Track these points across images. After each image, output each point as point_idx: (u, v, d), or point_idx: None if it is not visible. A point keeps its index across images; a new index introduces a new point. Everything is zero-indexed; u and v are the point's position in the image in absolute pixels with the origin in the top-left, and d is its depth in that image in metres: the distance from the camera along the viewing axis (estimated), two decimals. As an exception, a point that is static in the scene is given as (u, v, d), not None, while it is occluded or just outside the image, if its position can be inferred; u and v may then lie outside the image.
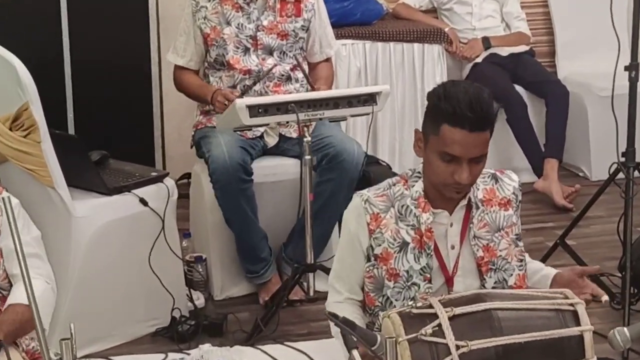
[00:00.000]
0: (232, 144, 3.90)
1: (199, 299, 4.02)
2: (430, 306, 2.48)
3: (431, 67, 5.25)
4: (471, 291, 2.60)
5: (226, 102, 3.85)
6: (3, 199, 2.45)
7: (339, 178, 3.89)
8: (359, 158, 3.93)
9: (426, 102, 2.67)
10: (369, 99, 3.67)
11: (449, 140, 2.56)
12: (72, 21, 4.95)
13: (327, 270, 3.44)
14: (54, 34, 4.95)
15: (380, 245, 2.69)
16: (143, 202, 3.70)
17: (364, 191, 2.76)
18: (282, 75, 4.09)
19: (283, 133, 4.08)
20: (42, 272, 2.85)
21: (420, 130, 2.68)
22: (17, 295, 2.73)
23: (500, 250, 2.72)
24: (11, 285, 2.80)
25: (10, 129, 3.45)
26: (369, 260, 2.71)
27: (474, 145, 2.56)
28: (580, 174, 5.53)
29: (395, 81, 5.20)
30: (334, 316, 2.39)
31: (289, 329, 3.82)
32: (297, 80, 4.13)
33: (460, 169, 2.57)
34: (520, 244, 2.76)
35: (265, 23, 4.05)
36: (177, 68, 4.19)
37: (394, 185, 2.74)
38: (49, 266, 2.90)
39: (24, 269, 2.16)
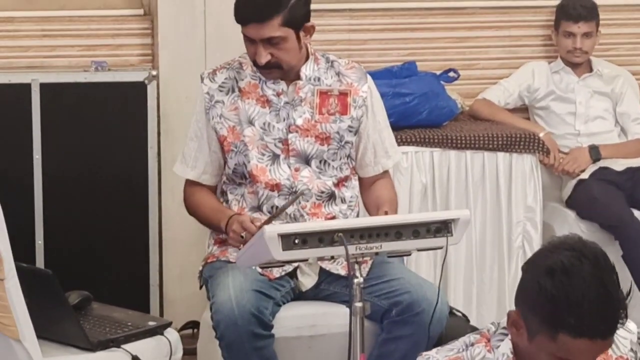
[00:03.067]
0: (244, 286, 3.91)
1: None
2: None
3: (521, 185, 5.30)
4: None
5: (243, 234, 3.89)
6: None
7: (415, 336, 3.88)
8: (442, 311, 3.93)
9: (517, 250, 2.71)
10: (442, 228, 3.65)
11: (573, 351, 2.57)
12: (45, 119, 5.08)
13: None
14: (22, 136, 5.08)
15: None
16: (137, 360, 3.73)
17: (432, 352, 2.77)
18: (323, 192, 4.14)
19: (326, 268, 4.09)
20: None
21: (515, 312, 2.69)
22: None
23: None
24: None
25: (-35, 262, 3.51)
26: None
27: (601, 350, 2.60)
28: None
29: (473, 203, 5.25)
30: None
31: None
32: (343, 201, 4.18)
33: None
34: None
35: (299, 122, 4.12)
36: (188, 184, 4.25)
37: (472, 345, 2.75)
38: None
39: None
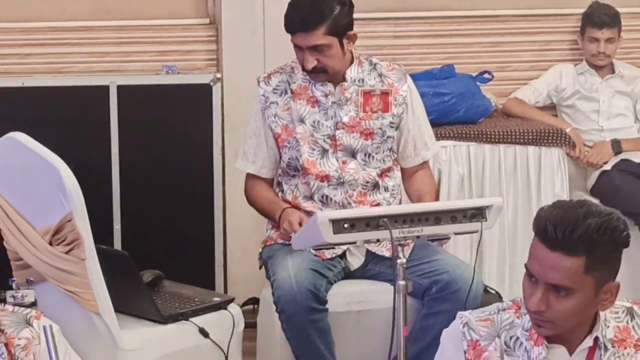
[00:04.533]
0: (302, 266, 3.94)
1: None
2: None
3: (549, 175, 5.27)
4: None
5: (292, 234, 3.91)
6: (44, 327, 2.53)
7: (453, 311, 3.79)
8: (478, 288, 3.94)
9: None
10: (477, 213, 3.65)
11: (532, 254, 2.58)
12: (121, 118, 5.11)
13: (424, 421, 3.43)
14: (100, 132, 5.11)
15: (484, 384, 2.69)
16: (203, 332, 3.75)
17: (466, 313, 2.76)
18: (368, 182, 4.15)
19: (372, 250, 4.10)
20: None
21: None
22: None
23: (638, 404, 2.69)
24: None
25: (50, 244, 3.54)
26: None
27: (551, 267, 2.53)
28: None
29: (506, 192, 5.22)
30: None
31: None
32: (386, 189, 4.18)
33: (534, 293, 2.56)
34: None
35: (345, 120, 4.12)
36: (249, 177, 4.27)
37: (504, 310, 2.73)
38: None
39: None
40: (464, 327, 2.72)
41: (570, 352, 2.67)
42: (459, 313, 2.78)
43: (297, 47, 4.06)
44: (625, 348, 2.69)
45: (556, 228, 2.51)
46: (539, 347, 2.65)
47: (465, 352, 2.70)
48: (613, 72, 5.67)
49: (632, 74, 5.69)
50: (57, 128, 4.84)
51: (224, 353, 3.76)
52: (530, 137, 5.28)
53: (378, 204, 4.13)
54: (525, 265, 2.60)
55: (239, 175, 4.36)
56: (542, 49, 5.79)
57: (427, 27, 5.67)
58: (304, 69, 4.09)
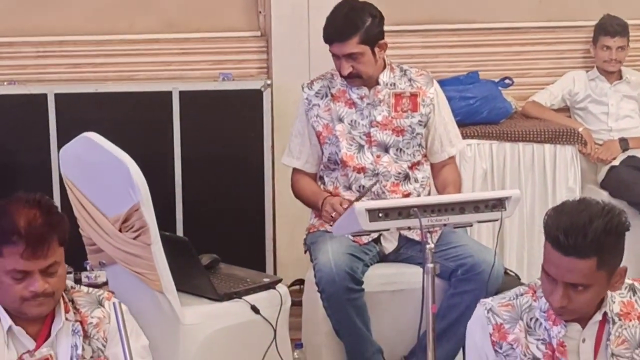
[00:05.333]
0: (340, 250, 3.94)
1: (311, 417, 4.04)
2: None
3: (564, 170, 5.24)
4: None
5: (333, 214, 3.91)
6: (114, 304, 2.55)
7: (477, 290, 3.85)
8: (499, 270, 3.92)
9: None
10: (498, 204, 3.63)
11: (547, 258, 2.60)
12: (183, 119, 5.13)
13: (449, 390, 3.42)
14: (164, 132, 5.14)
15: (512, 362, 2.69)
16: (255, 309, 3.75)
17: (488, 300, 2.77)
18: (399, 173, 4.14)
19: (404, 235, 4.09)
20: (150, 381, 2.92)
21: None
22: None
23: (643, 370, 2.69)
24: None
25: (120, 230, 3.56)
26: (502, 379, 2.70)
27: (567, 269, 2.56)
28: None
29: (525, 185, 5.20)
30: None
31: None
32: (416, 180, 4.17)
33: (555, 290, 2.58)
34: (667, 362, 2.72)
35: (379, 119, 4.12)
36: (295, 172, 4.28)
37: (522, 295, 2.75)
38: (156, 376, 2.97)
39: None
40: (488, 312, 2.73)
41: (583, 327, 2.69)
42: (481, 301, 2.78)
43: (335, 56, 4.07)
44: (630, 320, 2.72)
45: (568, 236, 2.53)
46: (558, 327, 2.67)
47: (490, 334, 2.71)
48: (621, 78, 5.62)
49: (638, 80, 5.64)
50: (126, 129, 4.86)
51: (273, 328, 3.76)
52: (547, 136, 5.26)
53: (409, 194, 4.13)
54: (542, 267, 2.60)
55: (287, 170, 4.37)
56: (557, 57, 5.75)
57: (454, 38, 5.64)
58: (341, 75, 4.09)
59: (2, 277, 2.70)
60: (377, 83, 4.12)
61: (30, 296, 2.71)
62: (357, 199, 3.97)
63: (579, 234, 2.52)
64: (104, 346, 2.84)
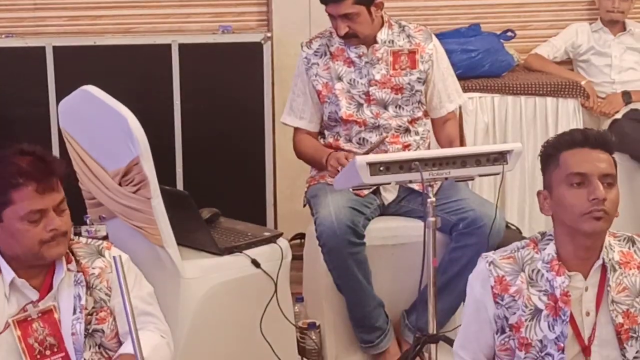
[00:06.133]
0: (341, 203, 3.94)
1: (312, 369, 4.07)
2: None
3: (566, 123, 5.23)
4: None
5: (339, 168, 3.91)
6: (114, 257, 2.56)
7: (478, 244, 3.87)
8: (500, 224, 3.93)
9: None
10: (499, 157, 3.64)
11: (572, 161, 2.66)
12: (183, 72, 5.11)
13: (450, 342, 3.43)
14: (164, 85, 5.11)
15: (515, 313, 2.71)
16: (255, 263, 3.75)
17: (490, 253, 2.79)
18: (400, 127, 4.14)
19: (404, 185, 4.08)
20: (159, 326, 2.94)
21: (542, 189, 2.75)
22: (128, 347, 2.81)
23: (642, 317, 2.72)
24: (119, 346, 2.88)
25: (120, 184, 3.56)
26: (502, 332, 2.72)
27: (600, 160, 2.66)
28: None
29: (526, 138, 5.20)
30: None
31: (408, 403, 3.81)
32: (417, 133, 4.17)
33: (593, 186, 2.63)
34: (666, 311, 2.75)
35: (377, 77, 4.11)
36: (297, 131, 4.27)
37: (523, 248, 2.77)
38: (164, 321, 2.99)
39: (132, 323, 2.25)
40: (489, 265, 2.75)
41: (585, 277, 2.72)
42: (483, 254, 2.80)
43: (331, 16, 4.06)
44: (630, 269, 2.75)
45: (588, 134, 2.69)
46: (562, 277, 2.70)
47: (492, 287, 2.73)
48: (624, 30, 5.60)
49: (641, 32, 5.63)
50: (125, 82, 4.84)
51: (274, 281, 3.77)
52: (549, 89, 5.26)
53: (409, 145, 4.14)
54: (570, 174, 2.65)
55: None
56: (560, 10, 5.74)
57: (456, -10, 5.64)
58: (338, 35, 4.07)
59: (16, 226, 2.73)
60: (375, 41, 4.10)
61: (49, 236, 2.74)
62: (367, 153, 3.97)
63: (596, 132, 2.72)
64: (108, 295, 2.86)
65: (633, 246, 2.77)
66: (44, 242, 2.75)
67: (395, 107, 4.13)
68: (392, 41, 4.13)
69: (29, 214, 2.72)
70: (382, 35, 4.12)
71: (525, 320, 2.70)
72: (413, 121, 4.16)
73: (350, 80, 4.12)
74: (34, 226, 2.73)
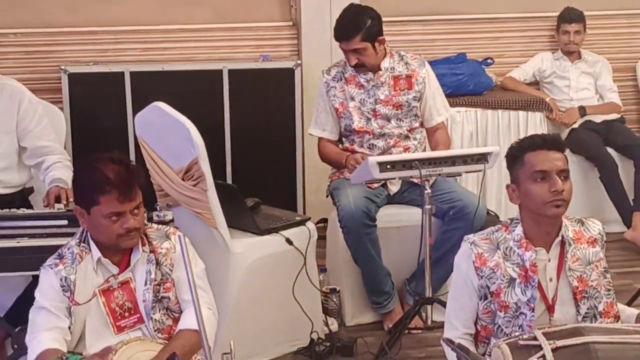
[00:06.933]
0: (358, 194, 3.93)
1: (333, 324, 4.05)
2: (535, 338, 2.46)
3: (533, 131, 5.16)
4: (571, 325, 2.57)
5: (357, 166, 3.89)
6: (179, 236, 2.56)
7: (465, 227, 3.84)
8: (482, 211, 3.91)
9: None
10: (482, 158, 3.65)
11: (535, 161, 2.65)
12: (231, 92, 5.10)
13: (443, 304, 3.42)
14: (217, 102, 5.11)
15: (495, 283, 2.70)
16: (289, 241, 3.75)
17: (470, 235, 2.80)
18: (401, 134, 4.13)
19: (407, 179, 4.06)
20: (206, 299, 2.92)
21: (510, 183, 2.75)
22: (187, 322, 2.80)
23: (591, 281, 2.72)
24: (180, 309, 2.88)
25: (183, 179, 3.56)
26: (485, 298, 2.71)
27: (556, 159, 2.66)
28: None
29: (503, 143, 5.14)
30: (450, 342, 2.39)
31: (409, 352, 3.81)
32: (415, 139, 4.16)
33: (554, 181, 2.62)
34: (608, 276, 2.76)
35: (382, 97, 4.10)
36: (321, 140, 4.25)
37: (497, 231, 2.77)
38: (211, 294, 2.97)
39: (195, 298, 2.24)
40: (471, 245, 2.75)
41: (548, 251, 2.72)
42: (465, 237, 2.80)
43: (343, 50, 4.06)
44: (582, 244, 2.75)
45: (546, 137, 2.70)
46: (529, 252, 2.70)
47: (473, 262, 2.72)
48: (580, 58, 5.56)
49: (593, 59, 5.59)
50: (187, 99, 4.83)
51: (303, 256, 3.76)
52: (520, 104, 5.23)
53: (409, 148, 4.13)
54: (534, 172, 2.65)
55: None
56: (529, 42, 5.70)
57: (447, 26, 5.59)
58: (349, 65, 4.06)
59: (100, 221, 2.74)
60: (380, 69, 4.09)
61: (124, 232, 2.74)
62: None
63: (552, 137, 2.72)
64: (171, 270, 2.86)
65: (582, 226, 2.78)
66: (120, 235, 2.75)
67: (397, 119, 4.12)
68: (393, 68, 4.11)
69: (110, 214, 2.72)
70: (385, 63, 4.10)
71: (503, 287, 2.69)
72: (411, 130, 4.15)
73: (361, 99, 4.10)
74: (113, 223, 2.73)
